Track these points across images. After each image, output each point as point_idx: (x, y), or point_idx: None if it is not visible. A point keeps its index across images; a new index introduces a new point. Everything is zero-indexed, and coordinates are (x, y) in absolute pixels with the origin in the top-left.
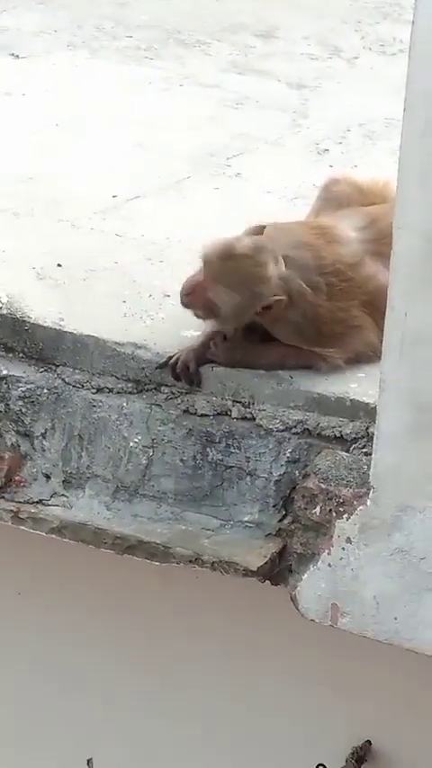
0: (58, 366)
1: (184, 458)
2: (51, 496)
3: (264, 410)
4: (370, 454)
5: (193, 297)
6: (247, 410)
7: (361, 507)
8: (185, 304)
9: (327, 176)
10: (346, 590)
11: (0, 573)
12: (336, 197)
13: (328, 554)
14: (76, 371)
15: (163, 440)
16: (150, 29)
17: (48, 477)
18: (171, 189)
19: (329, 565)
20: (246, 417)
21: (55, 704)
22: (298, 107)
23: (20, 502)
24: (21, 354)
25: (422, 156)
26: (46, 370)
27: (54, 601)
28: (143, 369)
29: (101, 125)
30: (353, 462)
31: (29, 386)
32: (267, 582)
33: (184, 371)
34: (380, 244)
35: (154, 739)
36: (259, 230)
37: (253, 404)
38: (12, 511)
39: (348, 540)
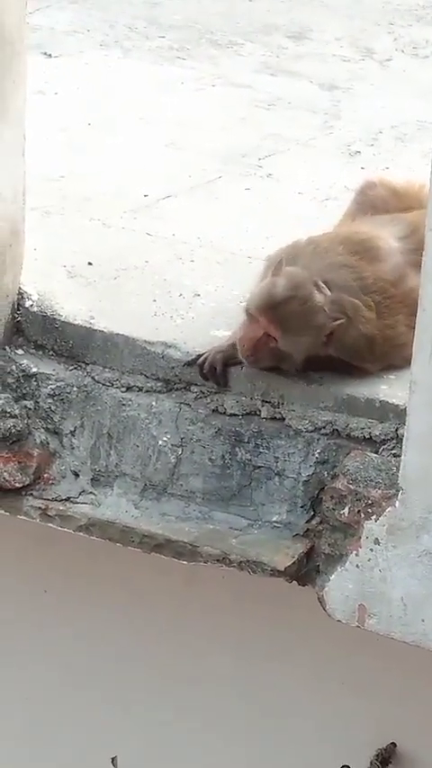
0: (87, 364)
1: (213, 457)
2: (80, 494)
3: (293, 410)
4: (399, 456)
5: (260, 354)
6: (277, 410)
7: (389, 509)
8: (252, 363)
9: (362, 179)
10: (373, 591)
11: (27, 570)
12: (371, 201)
13: (356, 555)
14: (106, 370)
15: (192, 439)
16: (183, 29)
17: (76, 474)
18: (202, 189)
19: (357, 566)
20: (275, 417)
21: (79, 702)
22: (330, 108)
23: (48, 499)
24: (51, 352)
25: None
26: (76, 368)
27: (80, 599)
28: (173, 368)
29: (133, 124)
30: (382, 464)
31: (58, 383)
32: (294, 582)
33: (212, 372)
34: (422, 254)
35: (178, 739)
36: (279, 263)
37: (282, 404)
38: (40, 508)
39: (376, 542)
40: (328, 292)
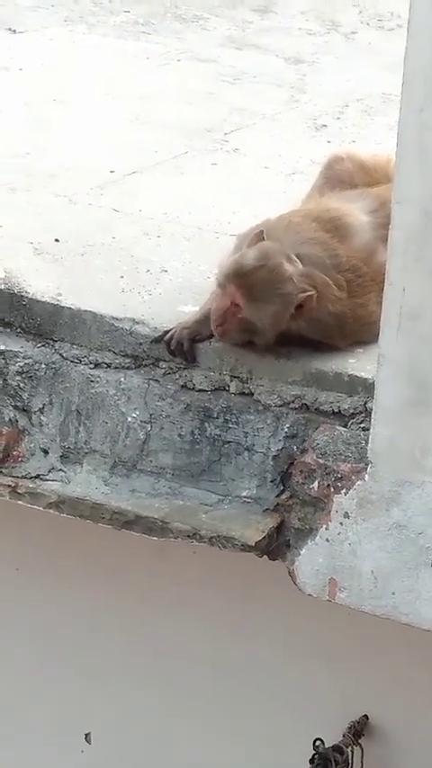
0: (55, 341)
1: (182, 433)
2: (49, 471)
3: (262, 385)
4: (368, 429)
5: (228, 324)
6: (246, 385)
7: (359, 482)
8: (221, 334)
9: (330, 154)
10: (343, 565)
11: None
12: (338, 175)
13: (326, 529)
14: (74, 347)
15: (161, 415)
16: (147, 4)
17: (46, 452)
18: (168, 164)
19: (327, 540)
20: (244, 392)
21: (52, 679)
22: (295, 82)
23: (18, 477)
24: (18, 329)
25: (420, 131)
26: (44, 346)
27: (52, 576)
28: (141, 344)
29: (98, 100)
30: (351, 437)
31: (27, 361)
32: (265, 557)
33: (179, 348)
34: None
35: (150, 713)
36: (260, 235)
37: (251, 379)
38: (9, 486)
39: (346, 515)
40: (300, 266)
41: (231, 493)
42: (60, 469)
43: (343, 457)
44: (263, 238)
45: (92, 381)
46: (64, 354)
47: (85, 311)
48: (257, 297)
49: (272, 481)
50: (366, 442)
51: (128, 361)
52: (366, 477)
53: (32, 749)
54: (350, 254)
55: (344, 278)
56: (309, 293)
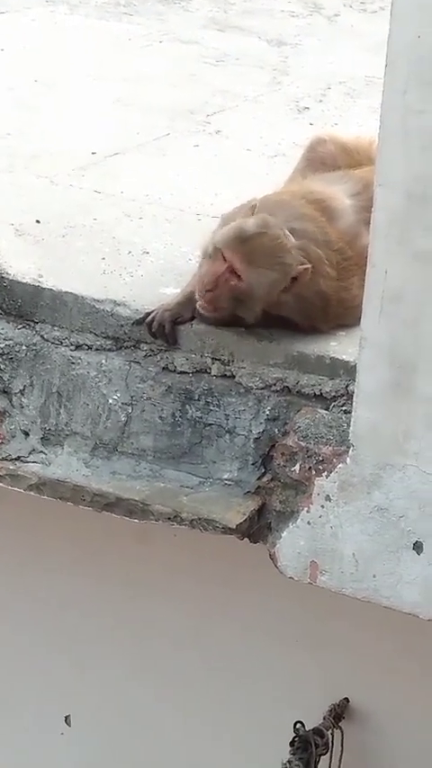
0: (36, 323)
1: (164, 415)
2: (30, 453)
3: (243, 368)
4: (350, 412)
5: (219, 290)
6: (227, 368)
7: (340, 465)
8: (210, 301)
9: (312, 136)
10: (325, 548)
11: None
12: (321, 157)
13: (308, 512)
14: (55, 328)
15: (142, 397)
16: None
17: (26, 434)
18: (150, 146)
19: (309, 522)
20: (225, 375)
21: (32, 661)
22: (278, 64)
23: None
24: None
25: (403, 114)
26: (24, 327)
27: (32, 559)
28: (122, 326)
29: (80, 81)
30: (332, 420)
31: (7, 342)
32: (246, 540)
33: (160, 330)
34: None
35: (130, 697)
36: (254, 208)
37: (233, 361)
38: None
39: (328, 498)
40: (293, 240)
41: (212, 475)
42: (41, 451)
43: (324, 440)
44: (254, 210)
45: (73, 363)
46: (45, 336)
47: (66, 293)
48: (258, 263)
49: (253, 464)
50: (348, 425)
51: (109, 342)
52: (348, 460)
53: (12, 731)
54: (338, 236)
55: (334, 258)
56: (306, 266)
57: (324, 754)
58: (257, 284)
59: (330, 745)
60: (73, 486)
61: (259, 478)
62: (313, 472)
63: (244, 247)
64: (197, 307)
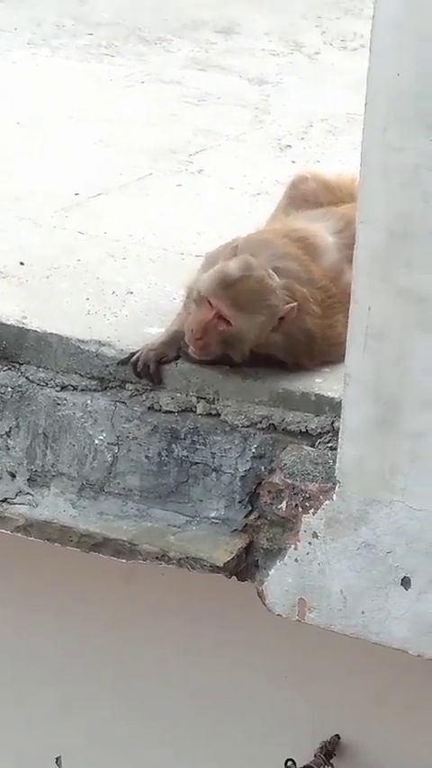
0: (21, 364)
1: (150, 455)
2: (16, 495)
3: (229, 406)
4: (335, 449)
5: (209, 337)
6: (212, 406)
7: (327, 502)
8: (201, 347)
9: (294, 174)
10: (313, 585)
11: None
12: (303, 194)
13: (295, 549)
14: (40, 369)
15: (128, 437)
16: (111, 26)
17: (13, 475)
18: (133, 186)
19: (296, 560)
20: (211, 413)
21: (22, 702)
22: (259, 103)
23: None
24: None
25: (384, 151)
26: (9, 369)
27: (20, 600)
28: (107, 366)
29: (62, 122)
30: (318, 457)
31: None
32: (234, 578)
33: (145, 370)
34: None
35: (120, 736)
36: (235, 249)
37: (218, 400)
38: None
39: (315, 535)
40: (278, 279)
41: (199, 514)
42: (28, 493)
43: (311, 477)
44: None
45: (58, 404)
46: (30, 377)
47: (51, 334)
48: (245, 307)
49: (240, 502)
50: (334, 462)
51: (94, 383)
52: (334, 496)
53: None
54: (321, 274)
55: (318, 295)
56: (292, 304)
57: None
58: (246, 328)
59: None
60: (60, 526)
61: (246, 516)
62: (300, 509)
63: (229, 292)
64: (188, 352)
